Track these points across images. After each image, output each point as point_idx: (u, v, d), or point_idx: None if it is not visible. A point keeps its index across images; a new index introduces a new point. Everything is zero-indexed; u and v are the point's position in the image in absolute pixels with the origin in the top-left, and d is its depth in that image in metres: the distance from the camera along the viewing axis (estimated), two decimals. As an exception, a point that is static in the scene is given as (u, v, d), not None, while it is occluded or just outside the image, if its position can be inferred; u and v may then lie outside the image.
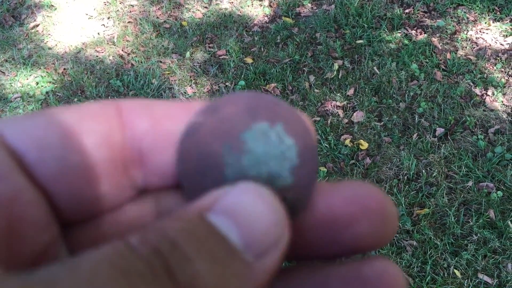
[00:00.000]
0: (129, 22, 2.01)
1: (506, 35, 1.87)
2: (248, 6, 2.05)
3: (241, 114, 0.19)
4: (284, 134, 0.19)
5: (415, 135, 1.56)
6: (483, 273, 1.26)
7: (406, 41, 1.86)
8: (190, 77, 1.81)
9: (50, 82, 1.82)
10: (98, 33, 1.97)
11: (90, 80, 1.80)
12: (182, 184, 0.19)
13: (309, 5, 2.03)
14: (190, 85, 1.76)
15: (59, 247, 0.18)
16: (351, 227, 0.20)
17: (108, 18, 2.03)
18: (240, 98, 0.19)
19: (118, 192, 0.19)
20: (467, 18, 1.95)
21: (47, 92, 1.78)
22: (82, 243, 0.19)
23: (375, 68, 1.77)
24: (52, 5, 2.10)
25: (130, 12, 2.05)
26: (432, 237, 1.33)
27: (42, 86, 1.81)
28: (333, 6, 2.01)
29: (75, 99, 1.73)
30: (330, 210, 0.20)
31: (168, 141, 0.19)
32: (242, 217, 0.16)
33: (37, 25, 2.00)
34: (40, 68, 1.85)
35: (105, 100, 0.20)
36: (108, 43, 1.93)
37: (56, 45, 1.93)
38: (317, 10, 2.01)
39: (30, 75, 1.84)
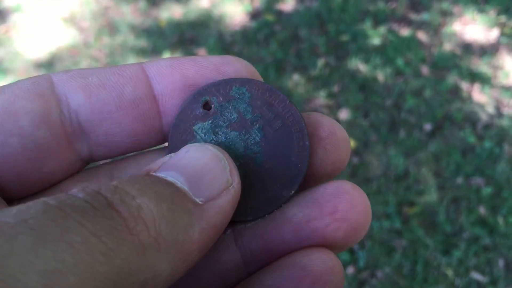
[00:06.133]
0: (104, 23, 1.95)
1: (491, 27, 1.85)
2: (228, 4, 2.01)
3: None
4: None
5: (402, 132, 1.53)
6: (474, 271, 1.24)
7: (390, 36, 1.83)
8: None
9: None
10: (73, 36, 1.91)
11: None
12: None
13: (292, 2, 1.99)
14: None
15: None
16: None
17: (83, 20, 1.97)
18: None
19: (64, 165, 0.19)
20: (452, 11, 1.93)
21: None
22: None
23: (359, 64, 1.74)
24: (24, 9, 2.03)
25: (105, 13, 1.99)
26: (423, 236, 1.30)
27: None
28: (315, 1, 1.97)
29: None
30: None
31: (105, 110, 0.19)
32: (187, 168, 0.16)
33: (9, 30, 1.93)
34: (13, 74, 1.79)
35: (37, 75, 0.20)
36: (83, 46, 1.86)
37: (29, 49, 1.87)
38: (299, 7, 1.97)
39: (1, 81, 1.77)
